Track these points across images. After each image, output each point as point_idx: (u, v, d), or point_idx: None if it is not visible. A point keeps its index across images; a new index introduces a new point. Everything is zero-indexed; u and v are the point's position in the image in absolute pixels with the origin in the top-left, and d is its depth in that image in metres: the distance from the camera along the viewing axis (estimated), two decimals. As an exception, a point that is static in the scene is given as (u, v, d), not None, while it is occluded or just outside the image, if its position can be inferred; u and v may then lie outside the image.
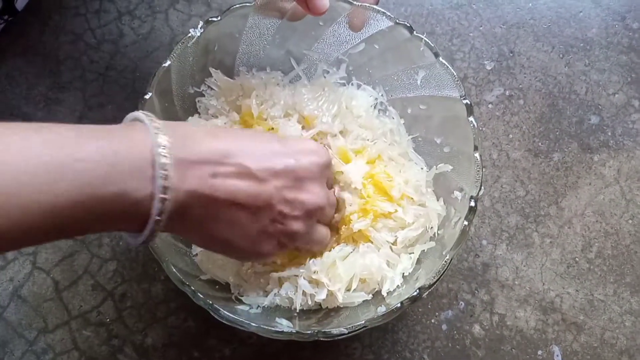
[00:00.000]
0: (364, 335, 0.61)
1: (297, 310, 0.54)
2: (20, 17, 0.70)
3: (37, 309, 0.62)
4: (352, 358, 0.61)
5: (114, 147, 0.37)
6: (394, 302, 0.49)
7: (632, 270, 0.64)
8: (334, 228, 0.56)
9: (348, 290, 0.54)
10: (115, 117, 0.68)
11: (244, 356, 0.61)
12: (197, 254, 0.56)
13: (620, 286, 0.63)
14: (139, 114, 0.41)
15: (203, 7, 0.73)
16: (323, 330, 0.48)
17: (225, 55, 0.60)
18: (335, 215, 0.56)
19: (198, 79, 0.59)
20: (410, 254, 0.56)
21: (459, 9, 0.73)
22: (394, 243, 0.56)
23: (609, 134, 0.68)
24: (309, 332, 0.48)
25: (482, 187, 0.52)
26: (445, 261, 0.49)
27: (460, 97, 0.54)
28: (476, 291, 0.63)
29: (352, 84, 0.62)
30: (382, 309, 0.50)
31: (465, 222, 0.50)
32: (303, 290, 0.53)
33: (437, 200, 0.57)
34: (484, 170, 0.66)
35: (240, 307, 0.54)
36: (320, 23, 0.58)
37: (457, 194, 0.55)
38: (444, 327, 0.62)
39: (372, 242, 0.55)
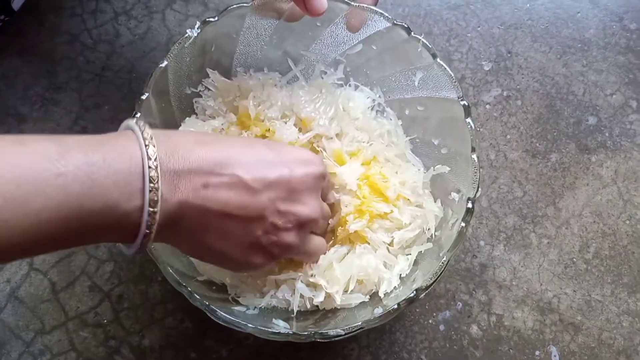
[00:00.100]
0: (361, 336, 0.61)
1: (294, 312, 0.54)
2: (17, 17, 0.70)
3: (34, 310, 0.62)
4: (349, 359, 0.61)
5: (100, 160, 0.37)
6: (391, 304, 0.49)
7: (630, 270, 0.64)
8: (330, 230, 0.56)
9: (345, 291, 0.54)
10: (111, 118, 0.68)
11: (241, 357, 0.61)
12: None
13: (618, 287, 0.63)
14: (131, 123, 0.41)
15: (200, 7, 0.73)
16: (320, 332, 0.48)
17: (223, 55, 0.60)
18: (331, 220, 0.55)
19: (195, 79, 0.59)
20: (407, 255, 0.56)
21: (457, 9, 0.73)
22: (391, 244, 0.56)
23: (607, 134, 0.68)
24: (305, 333, 0.48)
25: (480, 189, 0.52)
26: (443, 262, 0.49)
27: (458, 98, 0.54)
28: (474, 292, 0.63)
29: (349, 85, 0.62)
30: (379, 311, 0.50)
31: (463, 224, 0.50)
32: (300, 293, 0.53)
33: (435, 202, 0.57)
34: (481, 170, 0.66)
35: (237, 308, 0.54)
36: (318, 24, 0.58)
37: (454, 195, 0.55)
38: (442, 327, 0.62)
39: (368, 243, 0.55)
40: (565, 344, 0.61)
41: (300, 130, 0.58)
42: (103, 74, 0.70)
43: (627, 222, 0.65)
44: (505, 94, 0.70)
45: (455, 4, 0.73)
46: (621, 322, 0.62)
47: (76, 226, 0.36)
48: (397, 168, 0.58)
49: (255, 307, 0.54)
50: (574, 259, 0.64)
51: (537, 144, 0.68)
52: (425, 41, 0.55)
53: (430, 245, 0.56)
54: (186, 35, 0.54)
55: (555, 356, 0.61)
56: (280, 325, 0.51)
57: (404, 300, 0.48)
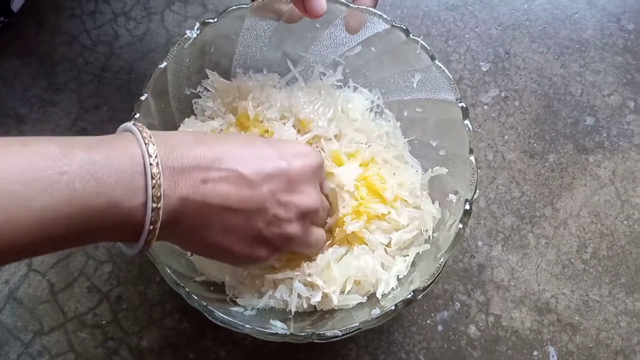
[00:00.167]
0: (359, 337, 0.61)
1: (292, 313, 0.54)
2: (16, 18, 0.70)
3: (32, 311, 0.62)
4: (347, 359, 0.61)
5: (102, 158, 0.37)
6: (389, 305, 0.49)
7: (627, 270, 0.64)
8: (328, 230, 0.56)
9: (342, 292, 0.54)
10: (110, 119, 0.68)
11: (239, 357, 0.61)
12: (192, 254, 0.56)
13: (616, 287, 0.63)
14: (129, 125, 0.41)
15: (199, 8, 0.73)
16: (317, 333, 0.48)
17: (222, 56, 0.60)
18: (329, 219, 0.56)
19: (194, 80, 0.59)
20: (405, 256, 0.56)
21: (455, 10, 0.73)
22: (388, 245, 0.56)
23: (604, 135, 0.68)
24: (303, 334, 0.48)
25: (477, 190, 0.52)
26: (440, 264, 0.49)
27: (456, 100, 0.54)
28: (472, 292, 0.63)
29: (348, 87, 0.62)
30: (376, 311, 0.50)
31: (460, 225, 0.50)
32: (298, 293, 0.53)
33: (433, 203, 0.58)
34: (479, 171, 0.66)
35: (235, 308, 0.54)
36: (317, 25, 0.58)
37: (452, 196, 0.55)
38: (440, 328, 0.62)
39: (366, 244, 0.56)
40: (563, 344, 0.62)
41: (299, 131, 0.58)
42: (102, 75, 0.70)
43: (625, 222, 0.65)
44: (503, 94, 0.70)
45: (453, 5, 0.73)
46: (619, 322, 0.62)
47: (80, 225, 0.37)
48: (395, 169, 0.58)
49: (253, 308, 0.54)
50: (572, 259, 0.64)
51: (535, 145, 0.68)
52: (423, 43, 0.55)
53: (427, 246, 0.56)
54: (185, 36, 0.54)
55: (553, 356, 0.61)
56: (278, 326, 0.51)
57: (401, 301, 0.48)
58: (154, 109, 0.55)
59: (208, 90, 0.60)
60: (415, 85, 0.58)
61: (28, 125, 0.68)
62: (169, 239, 0.44)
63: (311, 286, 0.54)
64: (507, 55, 0.71)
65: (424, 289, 0.49)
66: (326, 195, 0.56)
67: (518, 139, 0.68)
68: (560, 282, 0.64)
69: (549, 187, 0.67)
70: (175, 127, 0.58)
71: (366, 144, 0.59)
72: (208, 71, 0.59)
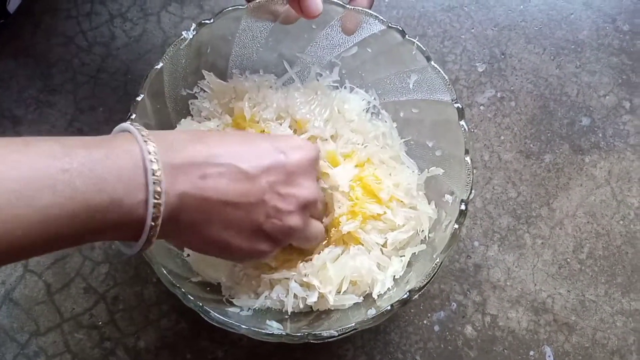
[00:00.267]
0: (356, 337, 0.62)
1: (289, 313, 0.54)
2: (12, 19, 0.70)
3: (28, 312, 0.62)
4: (344, 359, 0.61)
5: (103, 157, 0.38)
6: (384, 305, 0.49)
7: (623, 270, 0.64)
8: (324, 230, 0.56)
9: (338, 292, 0.54)
10: (106, 120, 0.68)
11: (236, 358, 0.61)
12: (189, 255, 0.56)
13: (612, 287, 0.64)
14: (126, 125, 0.42)
15: (195, 9, 0.73)
16: (313, 333, 0.48)
17: (218, 57, 0.60)
18: (325, 219, 0.56)
19: (190, 81, 0.59)
20: (401, 256, 0.56)
21: (451, 11, 0.73)
22: (384, 245, 0.56)
23: (600, 135, 0.69)
24: (299, 334, 0.48)
25: (473, 191, 0.52)
26: (436, 264, 0.49)
27: (452, 101, 0.54)
28: (468, 292, 0.63)
29: (345, 87, 0.62)
30: (372, 312, 0.50)
31: (456, 226, 0.51)
32: (294, 293, 0.53)
33: (429, 204, 0.58)
34: (475, 171, 0.66)
35: (231, 309, 0.54)
36: (313, 26, 0.59)
37: (448, 197, 0.55)
38: (436, 328, 0.62)
39: (362, 245, 0.56)
40: (560, 344, 0.62)
41: (295, 131, 0.58)
42: (98, 76, 0.70)
43: (621, 222, 0.66)
44: (499, 95, 0.70)
45: (449, 6, 0.73)
46: (615, 322, 0.62)
47: (82, 223, 0.37)
48: (392, 170, 0.58)
49: (249, 308, 0.54)
50: (568, 259, 0.64)
51: (531, 145, 0.68)
52: (419, 44, 0.55)
53: (423, 246, 0.56)
54: (182, 37, 0.54)
55: (549, 356, 0.61)
56: (274, 327, 0.51)
57: (397, 301, 0.48)
58: (150, 109, 0.55)
59: (204, 90, 0.60)
60: (411, 86, 0.58)
61: (24, 126, 0.68)
62: (169, 236, 0.44)
63: (307, 286, 0.54)
64: (503, 56, 0.71)
65: (420, 289, 0.49)
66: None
67: (514, 139, 0.68)
68: (556, 282, 0.64)
69: (545, 188, 0.67)
70: (171, 128, 0.58)
71: (362, 144, 0.59)
72: (204, 72, 0.59)
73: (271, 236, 0.47)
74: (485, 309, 0.63)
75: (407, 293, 0.49)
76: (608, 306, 0.63)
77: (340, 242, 0.56)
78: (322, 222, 0.55)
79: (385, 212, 0.56)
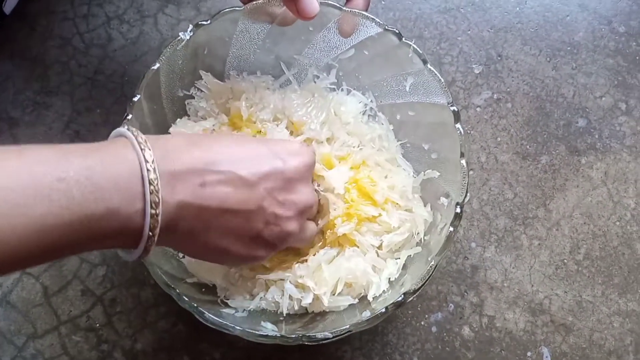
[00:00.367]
0: (353, 338, 0.62)
1: (284, 315, 0.54)
2: (8, 21, 0.70)
3: (26, 314, 0.62)
4: (342, 361, 0.61)
5: (99, 165, 0.37)
6: (379, 307, 0.49)
7: (620, 271, 0.64)
8: (319, 232, 0.56)
9: (333, 294, 0.54)
10: (104, 122, 0.68)
11: (234, 359, 0.61)
12: (184, 256, 0.56)
13: (609, 287, 0.64)
14: (123, 130, 0.41)
15: (192, 11, 0.73)
16: (308, 335, 0.48)
17: (215, 59, 0.60)
18: (320, 221, 0.56)
19: (187, 82, 0.59)
20: (396, 259, 0.56)
21: (447, 13, 0.73)
22: (380, 247, 0.56)
23: (596, 136, 0.69)
24: (293, 336, 0.48)
25: (468, 194, 0.52)
26: (431, 266, 0.49)
27: (448, 104, 0.54)
28: (465, 293, 0.63)
29: (342, 90, 0.62)
30: (367, 314, 0.50)
31: (451, 228, 0.51)
32: (289, 295, 0.53)
33: (425, 206, 0.58)
34: (472, 173, 0.67)
35: (226, 310, 0.54)
36: (310, 28, 0.59)
37: (443, 199, 0.55)
38: (434, 329, 0.62)
39: (357, 247, 0.56)
40: (557, 345, 0.62)
41: (291, 133, 0.58)
42: (95, 78, 0.70)
43: (617, 223, 0.66)
44: (495, 96, 0.70)
45: (445, 8, 0.74)
46: (612, 323, 0.63)
47: (79, 232, 0.36)
48: (387, 172, 0.58)
49: (244, 310, 0.54)
50: (565, 260, 0.65)
51: (528, 146, 0.68)
52: (416, 47, 0.55)
53: (419, 249, 0.56)
54: (179, 38, 0.54)
55: (546, 357, 0.61)
56: (269, 328, 0.51)
57: (391, 304, 0.48)
58: (146, 110, 0.54)
59: (201, 91, 0.60)
60: (407, 88, 0.58)
61: (21, 128, 0.68)
62: (168, 244, 0.44)
63: (302, 288, 0.54)
64: (499, 58, 0.72)
65: (415, 291, 0.49)
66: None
67: (510, 140, 0.69)
68: (553, 283, 0.64)
69: (542, 189, 0.67)
70: (168, 128, 0.58)
71: (358, 146, 0.59)
72: (202, 72, 0.59)
73: (269, 242, 0.47)
74: (483, 310, 0.63)
75: (402, 295, 0.49)
76: (605, 307, 0.63)
77: (336, 244, 0.56)
78: (316, 223, 0.55)
79: (380, 214, 0.56)
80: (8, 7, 0.69)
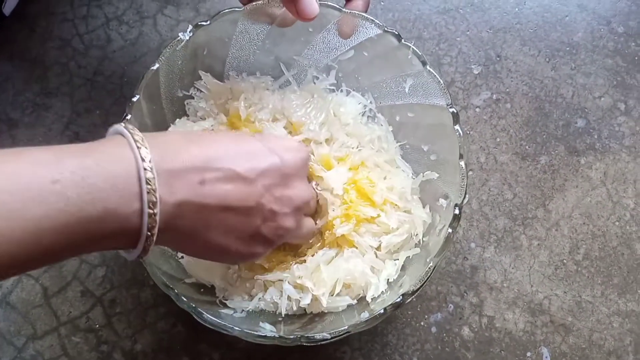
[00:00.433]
0: (353, 339, 0.62)
1: (282, 315, 0.54)
2: (8, 22, 0.70)
3: (25, 315, 0.62)
4: (342, 362, 0.61)
5: (95, 164, 0.36)
6: (378, 308, 0.49)
7: (619, 271, 0.64)
8: (318, 233, 0.56)
9: (332, 294, 0.54)
10: (103, 122, 0.68)
11: (234, 361, 0.61)
12: (182, 257, 0.56)
13: (608, 287, 0.64)
14: (120, 127, 0.40)
15: (191, 12, 0.73)
16: (306, 335, 0.48)
17: (215, 59, 0.60)
18: (318, 221, 0.56)
19: (187, 82, 0.59)
20: (395, 260, 0.56)
21: (446, 13, 0.73)
22: (378, 248, 0.56)
23: (595, 137, 0.69)
24: (292, 337, 0.48)
25: (467, 195, 0.52)
26: (430, 268, 0.50)
27: (447, 105, 0.54)
28: (465, 294, 0.63)
29: (341, 91, 0.62)
30: (365, 315, 0.50)
31: (450, 230, 0.51)
32: (288, 295, 0.53)
33: (424, 207, 0.58)
34: (471, 173, 0.67)
35: (225, 310, 0.54)
36: (310, 29, 0.59)
37: (442, 201, 0.55)
38: (434, 329, 0.62)
39: (356, 247, 0.56)
40: (557, 345, 0.62)
41: (290, 133, 0.58)
42: (94, 79, 0.70)
43: (617, 223, 0.66)
44: (494, 97, 0.70)
45: (444, 9, 0.74)
46: (611, 323, 0.63)
47: (77, 234, 0.36)
48: (386, 173, 0.58)
49: (242, 310, 0.54)
50: (564, 261, 0.65)
51: (527, 147, 0.68)
52: (415, 48, 0.55)
53: (417, 250, 0.56)
54: (178, 38, 0.54)
55: (546, 357, 0.61)
56: (267, 329, 0.51)
57: (390, 305, 0.48)
58: (146, 110, 0.55)
59: (201, 91, 0.60)
60: (407, 90, 0.58)
61: (20, 129, 0.68)
62: (167, 243, 0.44)
63: (301, 288, 0.54)
64: (498, 58, 0.72)
65: (413, 292, 0.49)
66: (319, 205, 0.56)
67: (510, 141, 0.69)
68: (552, 283, 0.64)
69: (541, 189, 0.67)
70: (167, 128, 0.58)
71: (357, 148, 0.59)
72: (201, 72, 0.59)
73: (267, 238, 0.47)
74: (482, 310, 0.63)
75: (401, 297, 0.49)
76: (604, 307, 0.63)
77: (334, 245, 0.56)
78: (314, 222, 0.55)
79: (379, 215, 0.56)
80: (7, 9, 0.69)
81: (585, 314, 0.63)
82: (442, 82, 0.55)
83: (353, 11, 0.55)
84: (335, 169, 0.57)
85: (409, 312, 0.62)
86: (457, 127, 0.53)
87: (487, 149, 0.68)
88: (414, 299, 0.62)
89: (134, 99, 0.52)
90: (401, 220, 0.56)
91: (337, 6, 0.55)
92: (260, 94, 0.60)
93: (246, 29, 0.58)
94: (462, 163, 0.52)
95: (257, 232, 0.46)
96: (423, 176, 0.58)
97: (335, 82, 0.62)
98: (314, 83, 0.62)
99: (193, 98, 0.60)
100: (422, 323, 0.62)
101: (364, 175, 0.57)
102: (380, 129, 0.61)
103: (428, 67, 0.55)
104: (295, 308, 0.54)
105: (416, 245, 0.57)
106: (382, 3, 0.74)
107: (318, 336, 0.48)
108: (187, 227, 0.42)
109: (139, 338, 0.61)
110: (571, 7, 0.74)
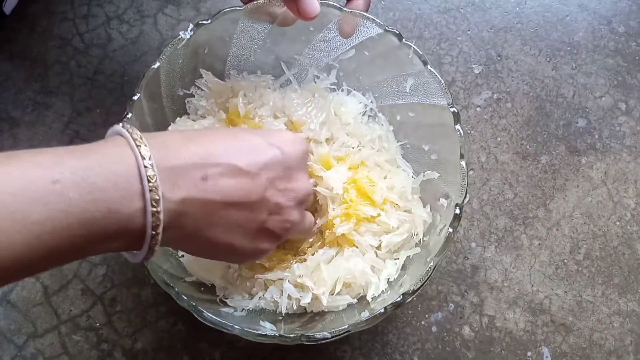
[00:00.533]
0: (353, 338, 0.62)
1: (282, 314, 0.54)
2: (8, 21, 0.70)
3: (26, 313, 0.62)
4: (342, 361, 0.61)
5: (95, 164, 0.36)
6: (378, 307, 0.49)
7: (620, 271, 0.64)
8: (318, 232, 0.56)
9: (332, 294, 0.54)
10: (103, 122, 0.68)
11: (234, 359, 0.61)
12: (183, 255, 0.56)
13: (609, 287, 0.64)
14: (119, 128, 0.40)
15: (192, 11, 0.73)
16: (306, 334, 0.48)
17: (216, 58, 0.60)
18: (319, 220, 0.56)
19: (187, 81, 0.59)
20: (395, 259, 0.56)
21: (447, 13, 0.73)
22: (379, 248, 0.56)
23: (596, 136, 0.69)
24: (292, 335, 0.48)
25: (467, 195, 0.52)
26: (430, 267, 0.49)
27: (448, 105, 0.54)
28: (465, 293, 0.63)
29: (342, 90, 0.62)
30: (365, 314, 0.50)
31: (450, 229, 0.51)
32: (288, 294, 0.53)
33: (424, 207, 0.58)
34: (472, 173, 0.67)
35: (225, 309, 0.54)
36: (311, 28, 0.59)
37: (443, 200, 0.55)
38: (434, 329, 0.62)
39: (356, 247, 0.56)
40: (557, 345, 0.62)
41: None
42: (95, 78, 0.70)
43: (617, 223, 0.66)
44: (495, 96, 0.70)
45: (445, 8, 0.74)
46: (612, 323, 0.63)
47: (81, 236, 0.35)
48: (387, 173, 0.58)
49: (243, 309, 0.54)
50: (565, 260, 0.65)
51: (528, 146, 0.68)
52: (416, 48, 0.55)
53: (418, 250, 0.56)
54: (179, 37, 0.54)
55: (547, 357, 0.61)
56: (267, 327, 0.51)
57: (390, 304, 0.48)
58: (146, 109, 0.55)
59: (201, 89, 0.60)
60: (407, 89, 0.58)
61: (21, 128, 0.68)
62: (172, 243, 0.43)
63: (301, 287, 0.54)
64: (499, 58, 0.72)
65: (414, 292, 0.49)
66: (319, 207, 0.56)
67: (511, 140, 0.69)
68: (553, 283, 0.64)
69: (542, 189, 0.67)
70: (168, 127, 0.58)
71: (357, 147, 0.59)
72: (202, 71, 0.59)
73: (273, 233, 0.46)
74: (483, 310, 0.63)
75: (401, 296, 0.49)
76: (605, 307, 0.63)
77: (335, 244, 0.56)
78: (314, 220, 0.55)
79: (379, 214, 0.56)
80: (8, 8, 0.69)
81: (586, 313, 0.63)
82: (442, 81, 0.55)
83: (354, 10, 0.55)
84: (335, 168, 0.57)
85: (410, 312, 0.62)
86: (457, 126, 0.53)
87: (488, 148, 0.68)
88: (415, 299, 0.61)
89: (135, 98, 0.52)
90: (401, 220, 0.56)
91: (338, 5, 0.55)
92: (260, 91, 0.60)
93: (247, 28, 0.58)
94: (463, 162, 0.52)
95: (263, 227, 0.45)
96: (424, 176, 0.58)
97: (336, 81, 0.62)
98: (315, 82, 0.62)
99: (194, 97, 0.60)
100: (422, 322, 0.62)
101: (364, 174, 0.57)
102: (380, 128, 0.61)
103: (429, 66, 0.55)
104: (295, 307, 0.54)
105: (417, 245, 0.57)
106: (382, 2, 0.74)
107: (318, 335, 0.48)
108: (191, 225, 0.41)
109: (140, 337, 0.61)
110: (572, 7, 0.74)
